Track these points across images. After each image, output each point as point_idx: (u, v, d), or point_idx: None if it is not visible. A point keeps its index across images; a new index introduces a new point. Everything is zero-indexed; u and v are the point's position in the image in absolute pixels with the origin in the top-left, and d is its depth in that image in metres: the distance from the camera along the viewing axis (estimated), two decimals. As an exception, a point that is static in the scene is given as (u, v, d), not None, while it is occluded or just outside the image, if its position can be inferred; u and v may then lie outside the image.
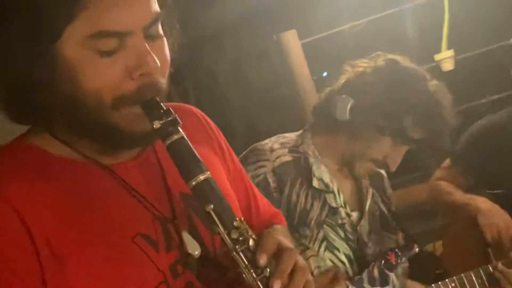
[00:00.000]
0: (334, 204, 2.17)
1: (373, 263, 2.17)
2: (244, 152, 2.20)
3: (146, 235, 1.17)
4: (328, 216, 2.15)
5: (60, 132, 1.19)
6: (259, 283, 1.11)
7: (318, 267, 2.12)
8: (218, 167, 1.38)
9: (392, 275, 2.20)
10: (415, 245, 2.26)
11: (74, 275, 1.10)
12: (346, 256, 2.17)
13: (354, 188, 2.30)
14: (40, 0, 1.06)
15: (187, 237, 1.19)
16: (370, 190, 2.31)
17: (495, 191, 2.82)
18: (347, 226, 2.19)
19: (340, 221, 2.18)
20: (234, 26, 3.78)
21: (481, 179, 2.90)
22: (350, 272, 2.17)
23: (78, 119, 1.14)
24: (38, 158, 1.17)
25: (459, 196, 2.86)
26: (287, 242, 1.19)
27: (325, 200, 2.16)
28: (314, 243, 2.12)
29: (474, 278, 2.29)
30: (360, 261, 2.20)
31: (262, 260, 1.11)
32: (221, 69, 2.57)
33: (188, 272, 1.19)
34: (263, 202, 1.59)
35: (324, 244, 2.13)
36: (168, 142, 1.13)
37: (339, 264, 2.15)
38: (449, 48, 3.66)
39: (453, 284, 2.24)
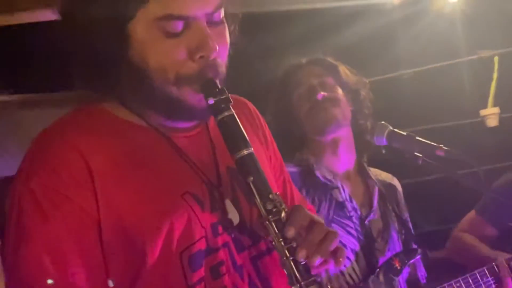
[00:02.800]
0: (340, 198, 2.32)
1: (378, 269, 2.26)
2: None
3: (194, 194, 1.31)
4: (335, 212, 2.29)
5: (129, 102, 1.36)
6: (286, 251, 1.23)
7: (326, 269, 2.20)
8: (261, 155, 1.52)
9: (397, 280, 2.28)
10: (419, 250, 2.35)
11: (127, 221, 1.24)
12: (352, 251, 2.27)
13: (362, 186, 2.44)
14: None
15: (229, 205, 1.33)
16: (376, 188, 2.44)
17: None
18: (354, 219, 2.31)
19: (348, 214, 2.30)
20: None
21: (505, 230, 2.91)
22: (357, 268, 2.26)
23: (145, 91, 1.31)
24: (107, 119, 1.34)
25: (484, 250, 2.83)
26: (318, 217, 1.30)
27: (331, 196, 2.31)
28: None
29: (479, 277, 2.32)
30: (368, 256, 2.29)
31: (290, 232, 1.23)
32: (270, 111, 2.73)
33: (226, 234, 1.33)
34: (298, 196, 1.73)
35: None
36: (220, 117, 1.28)
37: (346, 261, 2.24)
38: (495, 105, 3.74)
39: (457, 284, 2.28)
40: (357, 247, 2.27)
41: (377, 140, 2.35)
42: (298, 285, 1.21)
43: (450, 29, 3.70)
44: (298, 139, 2.45)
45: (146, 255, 1.24)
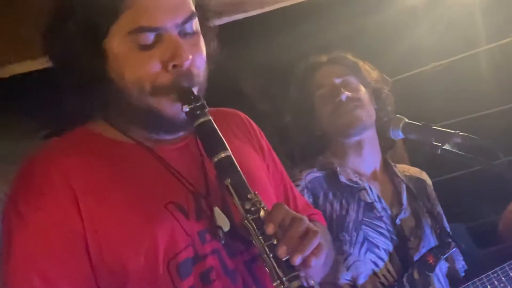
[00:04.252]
0: (368, 199, 2.27)
1: (411, 267, 2.21)
2: None
3: (178, 204, 1.34)
4: (365, 214, 2.24)
5: (114, 120, 1.41)
6: (266, 248, 1.23)
7: (362, 273, 2.18)
8: (254, 161, 1.55)
9: (432, 276, 2.22)
10: (453, 244, 2.28)
11: (112, 235, 1.28)
12: (386, 251, 2.22)
13: (390, 185, 2.39)
14: (90, 5, 1.28)
15: (218, 213, 1.34)
16: (404, 186, 2.37)
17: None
18: (385, 219, 2.25)
19: (378, 214, 2.25)
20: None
21: None
22: (391, 268, 2.21)
23: (125, 106, 1.35)
24: (92, 139, 1.39)
25: None
26: (301, 215, 1.30)
27: (359, 198, 2.26)
28: (354, 247, 2.19)
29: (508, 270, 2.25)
30: (402, 255, 2.24)
31: (269, 228, 1.23)
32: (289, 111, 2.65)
33: (216, 241, 1.34)
34: (302, 201, 1.73)
35: (365, 245, 2.20)
36: (196, 123, 1.31)
37: (379, 262, 2.20)
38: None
39: (495, 275, 2.23)
40: (390, 247, 2.23)
41: (393, 134, 2.31)
42: (279, 281, 1.20)
43: (477, 16, 3.60)
44: (320, 140, 2.42)
45: (133, 266, 1.27)
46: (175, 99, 1.32)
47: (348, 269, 2.17)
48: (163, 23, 1.29)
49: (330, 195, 2.26)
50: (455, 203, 3.56)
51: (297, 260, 1.20)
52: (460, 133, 2.15)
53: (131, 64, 1.30)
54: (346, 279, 2.18)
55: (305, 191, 2.24)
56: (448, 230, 2.42)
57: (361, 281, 2.18)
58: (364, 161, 2.37)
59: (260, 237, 1.23)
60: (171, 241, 1.30)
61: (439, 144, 2.19)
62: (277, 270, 1.21)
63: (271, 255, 1.22)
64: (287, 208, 1.29)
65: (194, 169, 1.41)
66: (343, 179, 2.29)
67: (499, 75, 3.69)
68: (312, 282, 1.26)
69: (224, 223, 1.34)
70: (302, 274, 1.22)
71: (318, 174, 2.32)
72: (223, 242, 1.34)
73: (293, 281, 1.20)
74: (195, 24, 1.35)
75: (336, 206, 2.24)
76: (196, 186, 1.38)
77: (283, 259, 1.21)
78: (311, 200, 2.24)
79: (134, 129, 1.39)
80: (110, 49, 1.31)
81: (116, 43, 1.30)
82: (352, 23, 3.25)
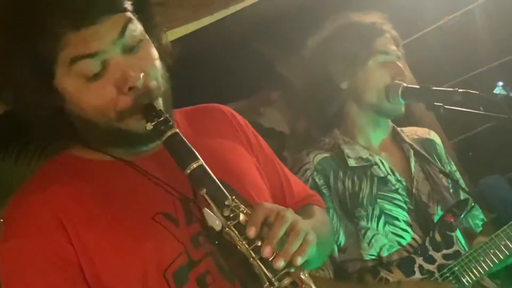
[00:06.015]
0: (381, 174, 2.25)
1: (432, 229, 2.18)
2: None
3: (166, 213, 1.35)
4: (379, 188, 2.22)
5: (90, 142, 1.41)
6: (251, 252, 1.22)
7: (384, 245, 2.16)
8: (243, 157, 1.55)
9: (454, 235, 2.18)
10: (470, 199, 2.24)
11: (105, 256, 1.29)
12: (406, 223, 2.19)
13: (399, 153, 2.36)
14: (29, 50, 1.27)
15: (208, 213, 1.31)
16: (411, 152, 2.35)
17: None
18: (400, 191, 2.23)
19: (393, 188, 2.23)
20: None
21: None
22: (418, 238, 2.19)
23: (95, 133, 1.36)
24: (74, 163, 1.41)
25: None
26: (283, 209, 1.28)
27: (372, 174, 2.24)
28: (372, 221, 2.17)
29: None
30: (424, 223, 2.22)
31: (251, 232, 1.23)
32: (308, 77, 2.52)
33: (209, 243, 1.35)
34: (297, 185, 1.72)
35: (383, 219, 2.18)
36: (163, 139, 1.31)
37: (403, 233, 2.18)
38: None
39: None
40: (410, 218, 2.21)
41: (394, 101, 2.27)
42: (268, 283, 1.19)
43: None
44: (334, 113, 2.38)
45: (131, 282, 1.29)
46: (141, 117, 1.32)
47: (369, 244, 2.16)
48: (98, 46, 1.26)
49: (341, 174, 2.25)
50: (493, 155, 3.48)
51: (279, 264, 1.19)
52: (459, 90, 2.09)
53: (86, 97, 1.30)
54: (371, 255, 2.17)
55: (315, 173, 2.23)
56: (462, 186, 2.39)
57: (385, 253, 2.16)
58: (375, 132, 2.35)
59: (244, 242, 1.23)
60: (164, 252, 1.31)
61: (441, 104, 2.14)
62: (266, 271, 1.20)
63: (257, 257, 1.21)
64: (269, 205, 1.28)
65: (178, 174, 1.38)
66: (352, 162, 2.26)
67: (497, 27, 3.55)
68: (304, 277, 1.24)
69: (215, 223, 1.32)
70: (292, 270, 1.21)
71: (325, 154, 2.29)
72: (216, 242, 1.33)
73: (283, 279, 1.19)
74: (137, 30, 1.32)
75: (348, 183, 2.23)
76: (182, 191, 1.39)
77: (270, 259, 1.20)
78: (322, 181, 2.22)
79: (111, 147, 1.41)
80: (62, 87, 1.31)
81: (65, 81, 1.30)
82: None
